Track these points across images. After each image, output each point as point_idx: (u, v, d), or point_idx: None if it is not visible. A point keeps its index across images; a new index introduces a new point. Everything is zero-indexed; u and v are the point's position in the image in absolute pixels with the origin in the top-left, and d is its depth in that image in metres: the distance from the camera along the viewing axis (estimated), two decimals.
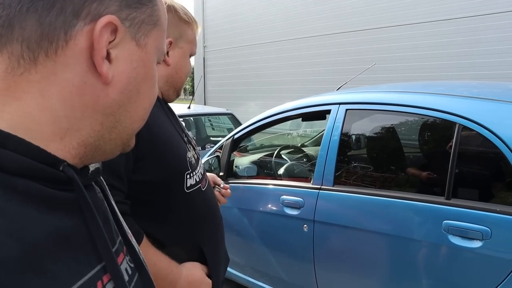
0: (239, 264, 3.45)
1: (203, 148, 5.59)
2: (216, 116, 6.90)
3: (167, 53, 1.38)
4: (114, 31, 0.52)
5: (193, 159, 1.37)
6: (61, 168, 0.52)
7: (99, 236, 0.54)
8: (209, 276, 1.36)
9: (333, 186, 2.56)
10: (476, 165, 2.26)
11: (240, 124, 5.88)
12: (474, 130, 2.03)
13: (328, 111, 2.74)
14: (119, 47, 0.54)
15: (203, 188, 1.39)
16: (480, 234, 1.95)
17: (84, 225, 0.53)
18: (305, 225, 2.64)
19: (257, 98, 10.83)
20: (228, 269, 3.56)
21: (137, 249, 0.68)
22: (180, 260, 1.30)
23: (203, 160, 3.75)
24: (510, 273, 1.87)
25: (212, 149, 3.89)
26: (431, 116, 2.28)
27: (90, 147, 0.55)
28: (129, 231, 0.69)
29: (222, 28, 12.82)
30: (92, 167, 0.62)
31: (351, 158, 2.93)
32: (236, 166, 3.58)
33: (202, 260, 1.36)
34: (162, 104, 1.41)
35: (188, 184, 1.32)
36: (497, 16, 6.43)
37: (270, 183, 3.04)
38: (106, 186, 0.68)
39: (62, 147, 0.53)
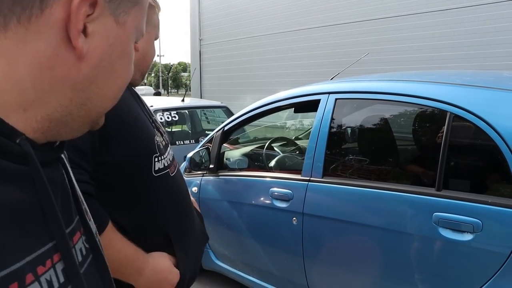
0: (229, 258, 3.40)
1: (197, 141, 5.55)
2: (211, 109, 6.87)
3: None
4: (93, 4, 0.51)
5: (161, 144, 1.32)
6: (17, 141, 0.49)
7: (51, 214, 0.52)
8: (176, 266, 1.30)
9: (322, 177, 2.50)
10: (468, 156, 2.20)
11: None
12: (466, 119, 1.96)
13: (318, 101, 2.67)
14: (96, 22, 0.52)
15: (171, 173, 1.34)
16: (471, 226, 1.89)
17: (38, 201, 0.51)
18: (294, 218, 2.58)
19: (253, 91, 10.77)
20: (218, 262, 3.52)
21: (93, 230, 0.66)
22: (147, 248, 1.25)
23: (194, 151, 3.71)
24: (501, 267, 1.81)
25: (203, 141, 3.84)
26: (422, 104, 2.21)
27: (55, 122, 0.53)
28: (88, 212, 0.67)
29: (218, 21, 12.76)
30: (58, 143, 0.60)
31: (341, 149, 2.87)
32: (227, 159, 3.53)
33: (170, 249, 1.31)
34: (129, 87, 1.35)
35: (156, 168, 1.27)
36: (494, 6, 6.38)
37: (260, 175, 2.99)
38: (69, 164, 0.65)
39: (24, 119, 0.51)
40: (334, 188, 2.42)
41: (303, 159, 2.67)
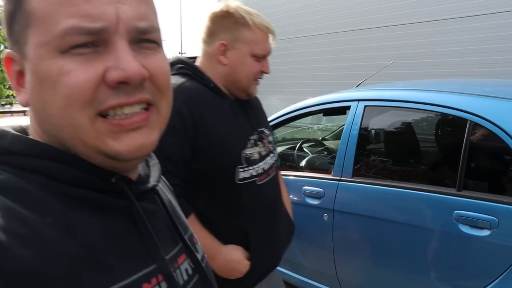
0: None
1: None
2: None
3: (225, 53, 1.52)
4: (12, 61, 0.57)
5: (256, 155, 1.53)
6: (112, 180, 0.57)
7: (150, 241, 0.58)
8: (249, 259, 1.53)
9: (352, 177, 2.72)
10: (486, 159, 2.40)
11: None
12: (484, 127, 2.17)
13: (348, 107, 2.90)
14: (26, 72, 0.55)
15: (259, 182, 1.54)
16: (488, 223, 2.10)
17: (137, 229, 0.58)
18: (325, 214, 2.81)
19: (279, 92, 10.94)
20: None
21: (200, 254, 0.73)
22: (226, 240, 1.50)
23: None
24: None
25: None
26: (445, 113, 2.42)
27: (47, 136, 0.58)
28: (193, 236, 0.75)
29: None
30: (153, 177, 0.67)
31: (369, 151, 3.08)
32: None
33: (247, 245, 1.53)
34: (231, 103, 1.55)
35: (240, 177, 1.48)
36: None
37: (292, 175, 3.21)
38: (166, 196, 0.73)
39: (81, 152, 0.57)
40: (363, 187, 2.65)
41: (332, 160, 2.89)
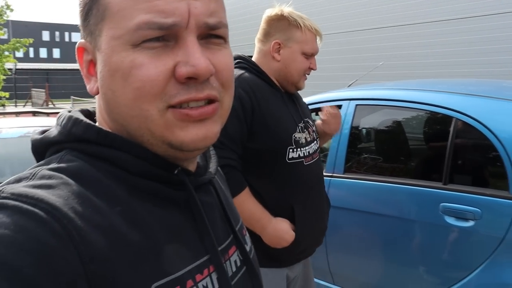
0: None
1: None
2: None
3: (279, 51, 1.77)
4: (85, 51, 0.60)
5: (303, 139, 1.76)
6: (175, 172, 0.59)
7: (205, 232, 0.61)
8: (294, 231, 1.72)
9: (343, 174, 2.84)
10: (470, 155, 2.52)
11: None
12: (468, 124, 2.30)
13: (340, 106, 3.01)
14: (97, 61, 0.59)
15: (306, 162, 1.76)
16: (472, 214, 2.22)
17: (194, 221, 0.60)
18: None
19: None
20: None
21: (248, 245, 0.75)
22: (275, 213, 1.71)
23: None
24: (497, 248, 2.14)
25: None
26: (432, 111, 2.54)
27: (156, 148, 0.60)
28: (244, 228, 0.78)
29: (235, 26, 13.03)
30: (211, 168, 0.69)
31: (360, 149, 3.20)
32: None
33: (292, 219, 1.73)
34: (282, 94, 1.81)
35: (290, 156, 1.70)
36: (500, 16, 6.60)
37: None
38: (222, 188, 0.75)
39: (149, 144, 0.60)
40: (354, 183, 2.76)
41: (323, 157, 3.00)
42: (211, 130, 0.58)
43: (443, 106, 2.42)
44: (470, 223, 2.23)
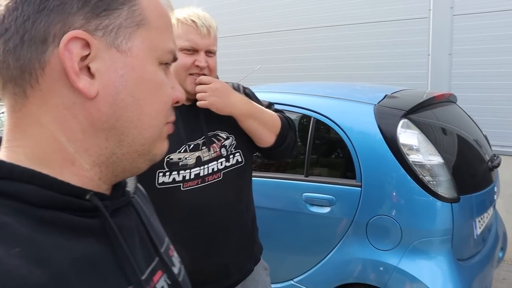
0: None
1: None
2: None
3: None
4: (87, 45, 0.51)
5: (190, 160, 1.47)
6: (87, 197, 0.53)
7: (125, 261, 0.55)
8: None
9: None
10: (326, 149, 2.86)
11: None
12: (324, 122, 2.62)
13: None
14: (98, 59, 0.52)
15: (185, 187, 1.47)
16: (328, 201, 2.54)
17: (112, 249, 0.55)
18: None
19: None
20: None
21: (174, 270, 0.69)
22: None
23: None
24: (348, 228, 2.48)
25: None
26: (296, 112, 2.84)
27: (105, 166, 0.56)
28: (170, 250, 0.73)
29: None
30: (129, 187, 0.65)
31: None
32: None
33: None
34: (179, 109, 1.47)
35: (160, 181, 1.45)
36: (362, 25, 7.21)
37: None
38: (142, 208, 0.69)
39: (76, 171, 0.54)
40: None
41: None
42: None
43: (304, 107, 2.73)
44: (327, 210, 2.56)
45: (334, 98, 2.75)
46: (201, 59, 1.50)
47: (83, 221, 0.52)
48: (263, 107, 1.63)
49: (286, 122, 1.68)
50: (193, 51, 1.50)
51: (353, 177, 2.51)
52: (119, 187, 0.63)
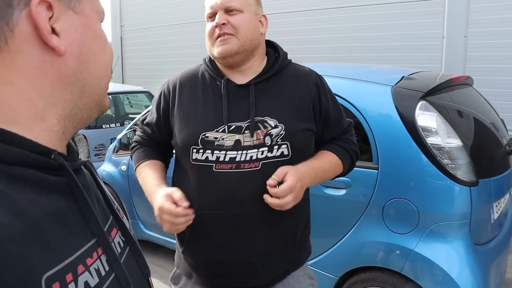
0: (157, 226, 3.84)
1: (122, 124, 5.85)
2: (134, 94, 7.10)
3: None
4: (50, 7, 0.55)
5: (221, 141, 1.41)
6: (52, 157, 0.57)
7: (90, 215, 0.60)
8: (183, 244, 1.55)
9: None
10: None
11: None
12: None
13: None
14: (60, 20, 0.57)
15: (215, 169, 1.42)
16: (344, 184, 2.51)
17: (77, 205, 0.59)
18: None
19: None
20: (148, 232, 3.95)
21: (126, 225, 0.73)
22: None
23: (122, 133, 4.07)
24: (365, 211, 2.45)
25: (129, 125, 4.21)
26: None
27: (68, 118, 0.60)
28: (120, 210, 0.75)
29: (140, 8, 12.73)
30: (81, 154, 0.69)
31: None
32: None
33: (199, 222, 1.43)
34: (219, 88, 1.48)
35: (194, 157, 1.44)
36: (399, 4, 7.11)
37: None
38: (95, 170, 0.74)
39: (45, 127, 0.58)
40: None
41: None
42: None
43: None
44: (343, 192, 2.53)
45: (350, 79, 2.70)
46: (216, 18, 1.45)
47: (50, 178, 0.56)
48: (326, 163, 1.52)
49: (350, 161, 1.62)
50: (213, 14, 1.47)
51: (369, 159, 2.47)
52: (73, 150, 0.68)
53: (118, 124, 5.86)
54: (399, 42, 5.91)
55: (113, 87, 6.67)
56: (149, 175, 1.51)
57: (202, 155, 1.42)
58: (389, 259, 2.39)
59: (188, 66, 1.63)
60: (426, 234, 2.28)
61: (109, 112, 6.40)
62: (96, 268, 0.58)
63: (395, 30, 6.04)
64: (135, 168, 1.59)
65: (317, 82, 1.57)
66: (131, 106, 7.35)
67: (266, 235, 1.46)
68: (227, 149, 1.41)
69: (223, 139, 1.41)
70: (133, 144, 1.70)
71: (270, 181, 1.35)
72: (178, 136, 1.48)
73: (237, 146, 1.41)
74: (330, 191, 2.56)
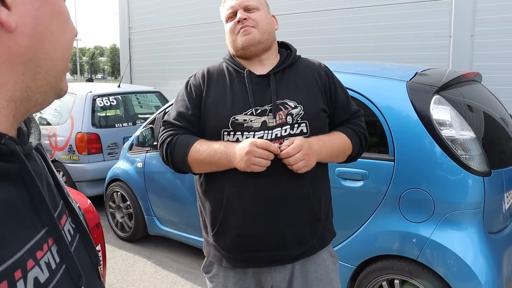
0: (173, 222, 3.93)
1: (134, 123, 5.93)
2: (144, 94, 7.16)
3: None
4: None
5: (250, 123, 1.57)
6: (2, 141, 0.52)
7: (41, 204, 0.55)
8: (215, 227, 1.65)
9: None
10: None
11: (167, 101, 6.26)
12: (355, 98, 2.67)
13: None
14: None
15: None
16: (361, 176, 2.61)
17: (27, 193, 0.54)
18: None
19: (181, 77, 11.08)
20: (163, 227, 4.04)
21: (77, 211, 0.69)
22: (207, 193, 1.67)
23: (138, 131, 4.17)
24: (381, 202, 2.54)
25: (145, 123, 4.30)
26: None
27: (19, 101, 0.55)
28: (70, 194, 0.70)
29: (147, 10, 12.81)
30: (32, 137, 0.63)
31: None
32: None
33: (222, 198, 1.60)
34: (241, 76, 1.65)
35: (225, 139, 1.58)
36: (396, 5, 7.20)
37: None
38: (46, 153, 0.67)
39: None
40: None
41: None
42: None
43: None
44: (360, 183, 2.62)
45: (366, 75, 2.80)
46: (238, 14, 1.65)
47: (0, 165, 0.51)
48: (335, 138, 1.65)
49: (358, 142, 1.73)
50: (234, 13, 1.67)
51: (386, 151, 2.57)
52: (23, 132, 0.62)
53: (130, 123, 5.94)
54: (407, 42, 6.01)
55: (124, 87, 6.72)
56: (213, 143, 1.57)
57: (233, 136, 1.57)
58: (405, 247, 2.48)
59: (195, 67, 1.76)
60: (441, 222, 2.38)
61: (119, 112, 6.44)
62: (47, 261, 0.54)
63: (403, 30, 6.14)
64: (189, 150, 1.60)
65: (326, 71, 1.75)
66: (141, 107, 7.40)
67: (295, 206, 1.60)
68: (256, 129, 1.57)
69: (251, 121, 1.57)
70: (168, 139, 1.66)
71: (281, 146, 1.53)
72: (209, 122, 1.62)
73: (264, 126, 1.58)
74: (348, 183, 2.66)
